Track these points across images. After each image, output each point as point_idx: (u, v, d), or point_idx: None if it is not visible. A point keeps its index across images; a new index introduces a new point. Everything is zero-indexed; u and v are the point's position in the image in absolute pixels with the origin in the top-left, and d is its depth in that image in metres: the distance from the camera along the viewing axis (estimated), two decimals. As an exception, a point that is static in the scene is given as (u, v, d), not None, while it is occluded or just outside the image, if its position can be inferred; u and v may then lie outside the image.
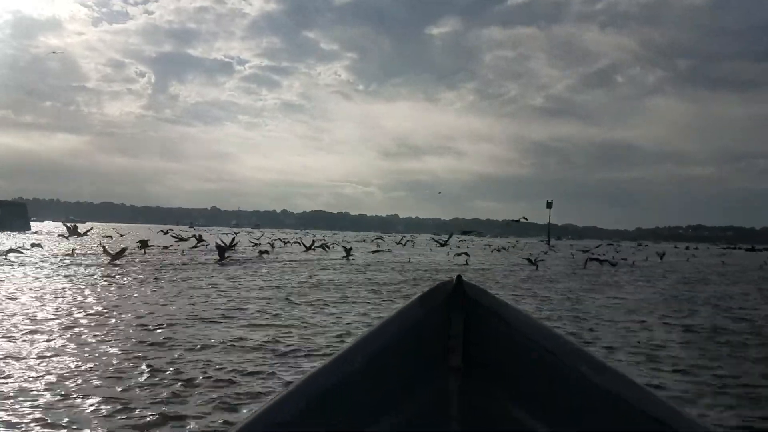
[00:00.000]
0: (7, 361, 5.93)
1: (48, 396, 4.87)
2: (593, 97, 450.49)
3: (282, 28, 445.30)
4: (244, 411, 4.59)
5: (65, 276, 14.96)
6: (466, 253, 29.78)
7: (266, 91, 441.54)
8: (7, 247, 22.54)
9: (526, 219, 37.41)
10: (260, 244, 36.06)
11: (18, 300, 10.33)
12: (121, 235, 47.34)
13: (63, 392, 4.96)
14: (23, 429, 4.15)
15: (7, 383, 5.17)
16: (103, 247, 22.99)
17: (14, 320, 8.21)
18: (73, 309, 9.40)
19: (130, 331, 7.73)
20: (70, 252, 23.99)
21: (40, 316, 8.65)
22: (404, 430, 0.96)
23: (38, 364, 5.85)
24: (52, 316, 8.62)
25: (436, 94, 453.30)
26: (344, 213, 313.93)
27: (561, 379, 0.94)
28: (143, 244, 26.82)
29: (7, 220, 58.01)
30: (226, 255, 23.27)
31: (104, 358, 6.20)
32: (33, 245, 26.34)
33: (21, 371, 5.56)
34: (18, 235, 45.58)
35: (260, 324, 8.56)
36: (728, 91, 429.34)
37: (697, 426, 0.90)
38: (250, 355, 6.52)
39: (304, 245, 34.14)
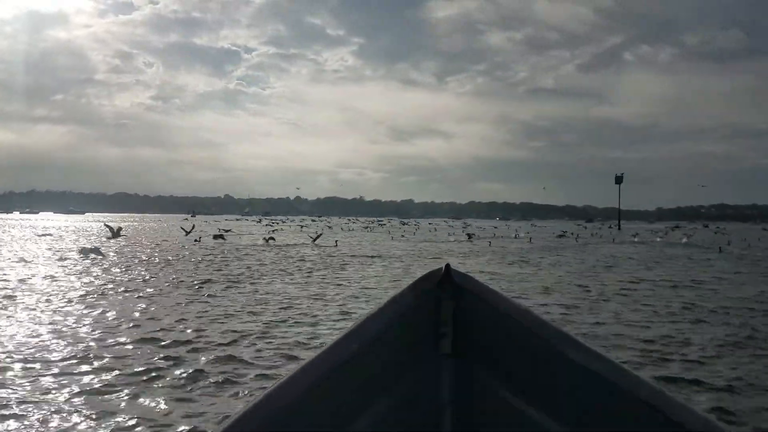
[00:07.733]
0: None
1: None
2: (599, 76, 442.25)
3: (287, 14, 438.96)
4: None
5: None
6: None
7: (274, 78, 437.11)
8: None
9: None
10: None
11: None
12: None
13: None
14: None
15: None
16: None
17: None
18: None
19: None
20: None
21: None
22: (398, 413, 0.99)
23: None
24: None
25: (445, 77, 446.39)
26: (359, 199, 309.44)
27: (548, 362, 0.95)
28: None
29: None
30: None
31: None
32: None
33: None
34: None
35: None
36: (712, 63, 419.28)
37: (684, 409, 0.87)
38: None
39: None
